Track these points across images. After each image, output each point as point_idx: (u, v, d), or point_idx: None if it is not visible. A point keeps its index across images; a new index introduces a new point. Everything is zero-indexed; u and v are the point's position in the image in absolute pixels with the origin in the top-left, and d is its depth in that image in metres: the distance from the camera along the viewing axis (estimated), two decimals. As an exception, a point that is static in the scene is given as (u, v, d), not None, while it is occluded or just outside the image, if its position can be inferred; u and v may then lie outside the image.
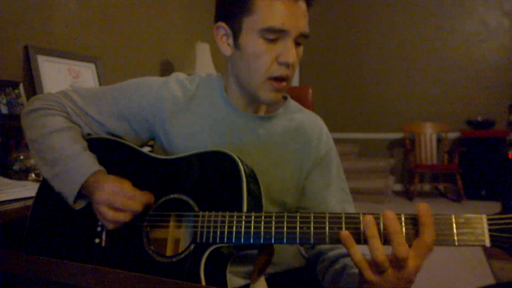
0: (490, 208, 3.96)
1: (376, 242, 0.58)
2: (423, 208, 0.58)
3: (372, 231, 0.58)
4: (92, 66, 2.14)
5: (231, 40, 0.82)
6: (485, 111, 4.66)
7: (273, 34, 0.77)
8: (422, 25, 4.90)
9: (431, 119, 4.87)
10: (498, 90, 4.63)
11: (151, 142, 0.97)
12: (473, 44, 4.73)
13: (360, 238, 0.61)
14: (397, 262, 0.57)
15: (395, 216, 0.59)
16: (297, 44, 0.80)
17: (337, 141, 1.00)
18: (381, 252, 0.58)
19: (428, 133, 4.78)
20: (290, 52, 0.78)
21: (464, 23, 4.75)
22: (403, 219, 0.60)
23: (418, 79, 4.97)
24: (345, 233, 0.60)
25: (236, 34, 0.80)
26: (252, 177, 0.75)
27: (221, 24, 0.83)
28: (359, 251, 0.60)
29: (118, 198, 0.72)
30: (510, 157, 3.64)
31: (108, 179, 0.76)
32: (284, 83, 0.82)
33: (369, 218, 0.59)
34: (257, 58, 0.79)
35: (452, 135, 4.79)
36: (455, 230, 0.58)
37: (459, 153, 4.46)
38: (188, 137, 0.88)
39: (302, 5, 0.78)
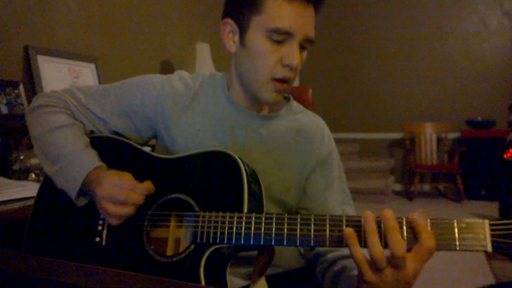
0: (490, 208, 3.95)
1: (374, 237, 0.58)
2: (414, 215, 0.59)
3: (371, 227, 0.59)
4: (92, 66, 2.14)
5: (237, 37, 0.84)
6: (485, 111, 4.65)
7: (280, 36, 0.77)
8: (422, 25, 4.90)
9: (431, 119, 4.86)
10: (498, 90, 4.63)
11: (153, 141, 0.97)
12: (473, 44, 4.73)
13: (361, 240, 0.61)
14: (395, 261, 0.57)
15: (392, 214, 0.59)
16: (302, 48, 0.81)
17: (337, 141, 1.00)
18: (379, 249, 0.58)
19: (428, 133, 4.78)
20: (294, 55, 0.78)
21: (464, 23, 4.75)
22: (404, 222, 0.60)
23: (418, 79, 4.97)
24: (349, 230, 0.60)
25: (242, 31, 0.81)
26: (253, 178, 0.75)
27: (229, 20, 0.84)
28: (360, 250, 0.60)
29: (120, 192, 0.72)
30: (504, 157, 3.63)
31: (108, 174, 0.76)
32: (285, 85, 0.82)
33: (369, 214, 0.60)
34: (261, 57, 0.79)
35: (452, 135, 4.79)
36: (457, 235, 0.58)
37: (459, 153, 4.46)
38: (190, 135, 0.88)
39: (311, 11, 0.80)
